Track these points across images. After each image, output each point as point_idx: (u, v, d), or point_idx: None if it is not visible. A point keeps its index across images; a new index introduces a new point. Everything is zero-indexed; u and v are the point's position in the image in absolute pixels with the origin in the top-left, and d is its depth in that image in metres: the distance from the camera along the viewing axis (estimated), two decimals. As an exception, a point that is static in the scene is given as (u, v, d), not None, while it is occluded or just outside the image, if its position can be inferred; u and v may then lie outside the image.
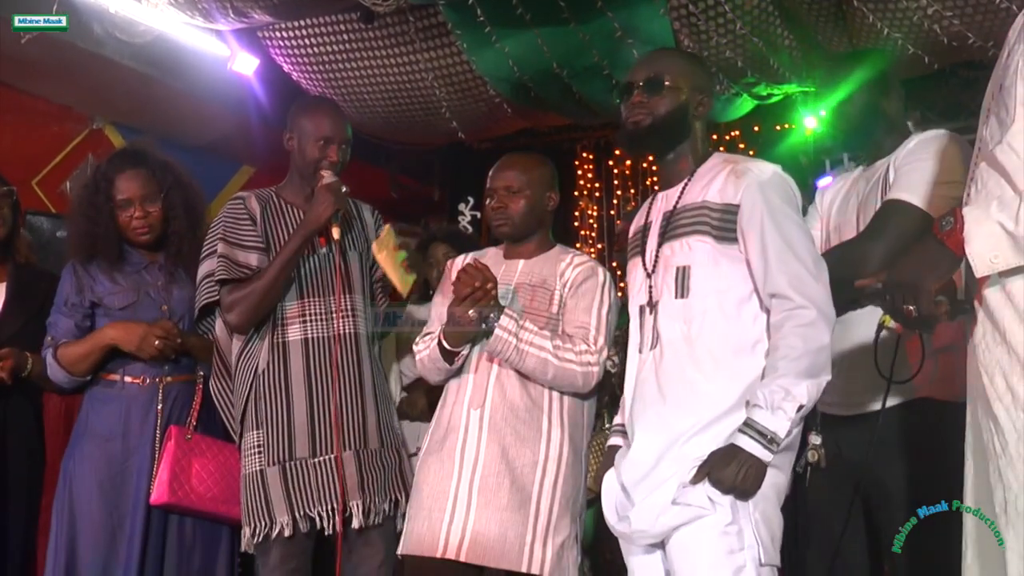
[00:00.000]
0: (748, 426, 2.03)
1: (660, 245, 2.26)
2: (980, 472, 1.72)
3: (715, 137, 6.28)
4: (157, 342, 2.95)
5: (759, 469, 2.02)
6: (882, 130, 2.63)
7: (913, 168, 2.46)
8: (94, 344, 2.99)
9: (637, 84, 2.30)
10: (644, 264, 2.31)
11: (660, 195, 2.35)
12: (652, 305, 2.24)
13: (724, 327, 2.14)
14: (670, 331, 2.19)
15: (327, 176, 2.91)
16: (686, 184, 2.28)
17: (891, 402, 2.27)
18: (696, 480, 2.05)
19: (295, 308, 2.89)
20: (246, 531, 2.82)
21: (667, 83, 2.27)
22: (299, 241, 2.86)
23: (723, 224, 2.16)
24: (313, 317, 2.89)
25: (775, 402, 2.01)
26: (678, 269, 2.20)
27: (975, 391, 1.74)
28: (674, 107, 2.27)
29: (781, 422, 2.00)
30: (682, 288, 2.18)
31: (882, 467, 2.36)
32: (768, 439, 2.00)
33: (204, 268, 2.94)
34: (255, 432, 2.86)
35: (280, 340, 2.87)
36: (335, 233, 2.88)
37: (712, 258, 2.17)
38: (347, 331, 2.90)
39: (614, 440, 2.41)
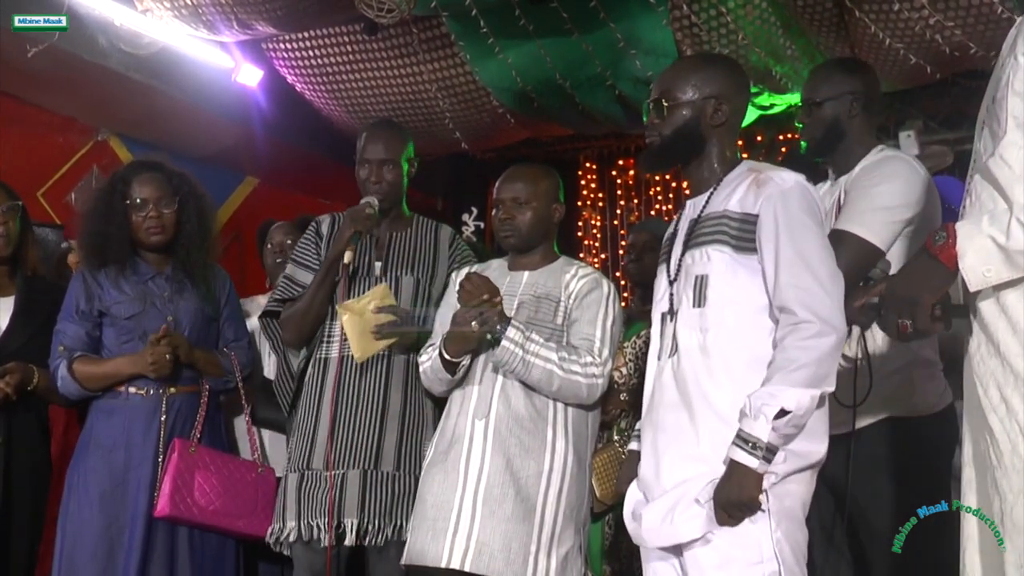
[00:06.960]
0: (736, 435, 2.01)
1: (683, 253, 2.26)
2: (981, 482, 1.73)
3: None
4: (168, 356, 2.98)
5: (750, 477, 1.99)
6: (849, 142, 2.63)
7: (859, 196, 2.51)
8: (117, 373, 3.02)
9: (650, 105, 2.33)
10: (668, 272, 2.31)
11: (688, 203, 2.35)
12: (672, 313, 2.24)
13: (739, 339, 2.12)
14: (687, 340, 2.18)
15: (362, 200, 2.96)
16: (712, 192, 2.27)
17: (862, 423, 2.37)
18: (719, 519, 2.03)
19: (337, 327, 2.93)
20: (269, 531, 2.92)
21: (668, 102, 2.27)
22: (328, 263, 2.93)
23: (742, 234, 2.15)
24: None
25: (757, 407, 1.98)
26: (697, 278, 2.19)
27: (970, 402, 1.75)
28: (680, 124, 2.26)
29: (762, 426, 1.96)
30: (699, 297, 2.17)
31: (857, 485, 2.38)
32: (752, 445, 1.97)
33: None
34: (292, 438, 2.98)
35: (322, 356, 2.96)
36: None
37: (730, 268, 2.15)
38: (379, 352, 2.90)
39: (634, 445, 2.40)
